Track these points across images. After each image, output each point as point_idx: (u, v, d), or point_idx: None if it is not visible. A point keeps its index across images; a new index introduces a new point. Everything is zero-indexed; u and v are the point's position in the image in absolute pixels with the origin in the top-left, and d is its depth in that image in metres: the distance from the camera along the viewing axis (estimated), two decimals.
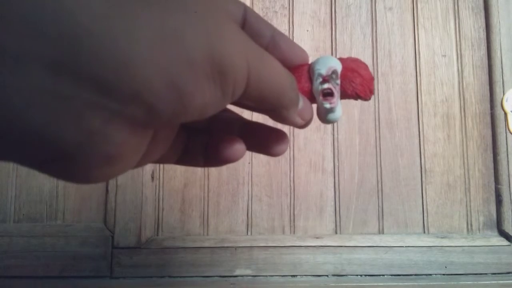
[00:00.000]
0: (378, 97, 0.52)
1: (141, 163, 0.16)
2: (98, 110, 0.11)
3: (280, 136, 0.20)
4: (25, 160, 0.12)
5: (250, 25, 0.18)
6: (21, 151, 0.11)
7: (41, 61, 0.10)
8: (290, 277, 0.48)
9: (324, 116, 0.19)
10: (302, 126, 0.18)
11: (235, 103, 0.18)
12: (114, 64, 0.10)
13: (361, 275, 0.48)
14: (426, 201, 0.51)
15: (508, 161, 0.51)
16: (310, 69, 0.19)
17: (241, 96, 0.14)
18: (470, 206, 0.51)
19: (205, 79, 0.12)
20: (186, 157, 0.20)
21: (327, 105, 0.18)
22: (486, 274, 0.48)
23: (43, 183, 0.50)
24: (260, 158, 0.50)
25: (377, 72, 0.53)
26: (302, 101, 0.18)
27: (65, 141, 0.11)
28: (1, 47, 0.09)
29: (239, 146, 0.19)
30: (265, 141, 0.20)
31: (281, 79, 0.16)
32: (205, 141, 0.20)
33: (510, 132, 0.51)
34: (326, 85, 0.18)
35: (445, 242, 0.49)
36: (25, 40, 0.09)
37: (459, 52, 0.53)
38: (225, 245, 0.48)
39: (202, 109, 0.13)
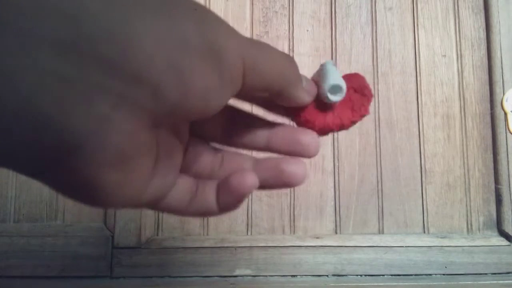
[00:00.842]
0: (378, 97, 0.52)
1: (150, 193, 0.15)
2: (104, 93, 0.11)
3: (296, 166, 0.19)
4: (31, 160, 0.11)
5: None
6: (28, 146, 0.11)
7: (45, 41, 0.10)
8: (290, 277, 0.48)
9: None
10: (307, 103, 0.18)
11: (245, 98, 0.18)
12: (116, 44, 0.10)
13: (361, 275, 0.48)
14: (426, 201, 0.51)
15: (508, 161, 0.51)
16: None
17: (245, 84, 0.14)
18: (470, 206, 0.51)
19: (201, 58, 0.12)
20: (197, 202, 0.18)
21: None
22: (486, 274, 0.48)
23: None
24: None
25: (377, 72, 0.53)
26: (305, 79, 0.18)
27: (74, 129, 0.11)
28: (4, 26, 0.09)
29: (251, 177, 0.18)
30: (280, 176, 0.19)
31: (279, 58, 0.16)
32: (216, 184, 0.19)
33: (510, 132, 0.51)
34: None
35: (445, 242, 0.49)
36: (28, 20, 0.09)
37: (459, 52, 0.53)
38: (225, 245, 0.48)
39: (204, 95, 0.13)
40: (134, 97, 0.11)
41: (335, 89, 0.18)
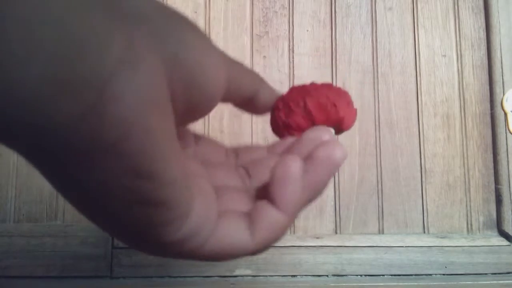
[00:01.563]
0: (378, 97, 0.52)
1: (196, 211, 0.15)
2: (115, 34, 0.11)
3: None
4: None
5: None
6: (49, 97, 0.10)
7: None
8: (290, 277, 0.48)
9: None
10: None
11: (237, 104, 0.21)
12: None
13: (361, 275, 0.48)
14: (426, 201, 0.51)
15: (508, 161, 0.51)
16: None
17: (229, 92, 0.18)
18: (470, 206, 0.51)
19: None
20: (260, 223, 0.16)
21: None
22: (486, 274, 0.48)
23: (43, 183, 0.50)
24: None
25: (377, 72, 0.53)
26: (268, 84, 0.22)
27: (94, 73, 0.11)
28: None
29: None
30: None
31: (251, 71, 0.20)
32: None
33: (510, 132, 0.51)
34: None
35: (445, 242, 0.49)
36: None
37: (459, 52, 0.53)
38: None
39: (201, 70, 0.15)
40: (140, 38, 0.12)
41: None
